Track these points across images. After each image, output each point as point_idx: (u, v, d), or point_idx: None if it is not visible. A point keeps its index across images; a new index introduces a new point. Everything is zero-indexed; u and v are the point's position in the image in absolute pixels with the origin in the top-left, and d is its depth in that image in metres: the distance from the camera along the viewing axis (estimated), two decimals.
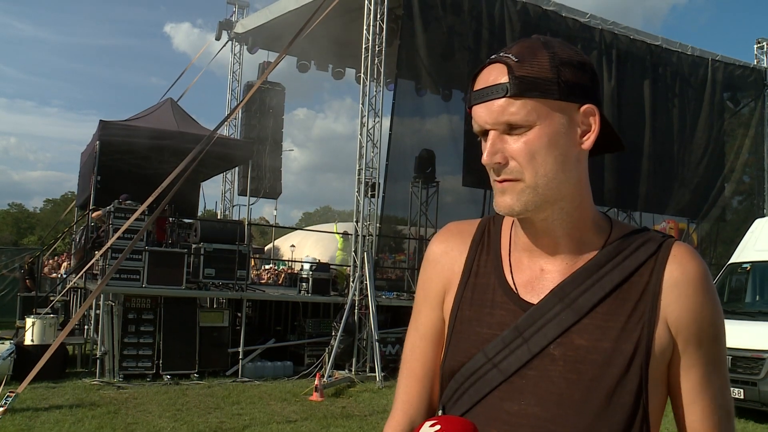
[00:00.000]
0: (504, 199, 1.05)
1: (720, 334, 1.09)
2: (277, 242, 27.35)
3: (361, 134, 11.38)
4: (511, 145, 1.03)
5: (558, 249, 1.10)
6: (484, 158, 1.04)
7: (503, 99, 1.01)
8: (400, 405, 1.22)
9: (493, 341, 1.08)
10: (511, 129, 1.02)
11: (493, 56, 1.06)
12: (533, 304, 1.08)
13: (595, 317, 1.05)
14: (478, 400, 1.08)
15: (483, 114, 1.04)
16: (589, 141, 1.06)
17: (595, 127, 1.06)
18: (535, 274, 1.11)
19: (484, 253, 1.18)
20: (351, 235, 12.20)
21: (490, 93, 1.02)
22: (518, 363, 1.06)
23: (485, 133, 1.06)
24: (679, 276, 1.06)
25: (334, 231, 22.96)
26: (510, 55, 1.03)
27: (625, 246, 1.10)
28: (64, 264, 18.43)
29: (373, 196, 11.26)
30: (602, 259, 1.09)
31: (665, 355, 1.06)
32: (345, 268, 13.17)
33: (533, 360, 1.05)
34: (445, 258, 1.21)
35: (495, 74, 1.03)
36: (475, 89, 1.06)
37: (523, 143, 1.02)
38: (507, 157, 1.03)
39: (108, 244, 9.04)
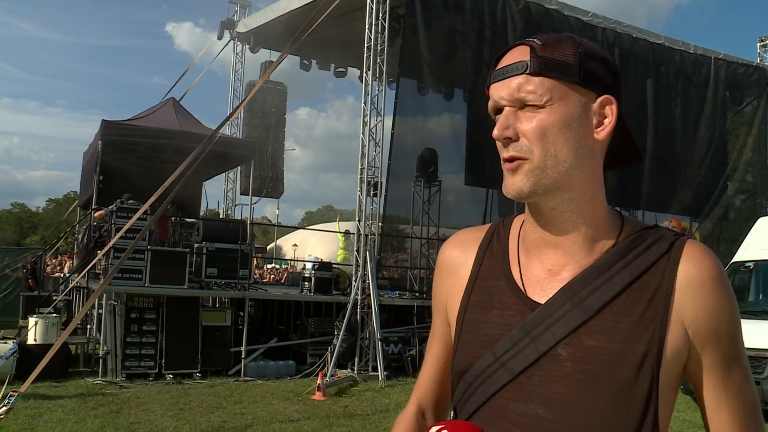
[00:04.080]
0: (513, 180, 1.04)
1: (738, 330, 1.07)
2: (279, 241, 27.35)
3: (363, 133, 11.37)
4: (523, 123, 1.03)
5: (567, 246, 1.08)
6: (495, 132, 1.04)
7: (522, 76, 1.02)
8: (415, 399, 1.29)
9: (502, 340, 1.07)
10: (525, 107, 1.03)
11: (518, 41, 1.08)
12: (542, 304, 1.07)
13: (605, 317, 1.03)
14: (485, 399, 1.07)
15: (500, 90, 1.05)
16: (604, 131, 1.06)
17: (611, 118, 1.05)
18: (544, 273, 1.09)
19: (492, 256, 1.17)
20: (353, 234, 12.19)
21: (511, 70, 1.04)
22: (525, 362, 1.04)
23: (499, 111, 1.06)
24: (694, 275, 1.04)
25: (337, 230, 22.95)
26: (535, 39, 1.05)
27: (636, 244, 1.07)
28: (67, 263, 18.47)
29: (375, 195, 11.25)
30: (613, 258, 1.06)
31: (679, 358, 1.04)
32: (347, 267, 13.16)
33: (540, 359, 1.03)
34: (452, 264, 1.22)
35: (517, 54, 1.05)
36: (496, 69, 1.07)
37: (536, 121, 1.02)
38: (518, 133, 1.03)
39: (110, 244, 9.04)
